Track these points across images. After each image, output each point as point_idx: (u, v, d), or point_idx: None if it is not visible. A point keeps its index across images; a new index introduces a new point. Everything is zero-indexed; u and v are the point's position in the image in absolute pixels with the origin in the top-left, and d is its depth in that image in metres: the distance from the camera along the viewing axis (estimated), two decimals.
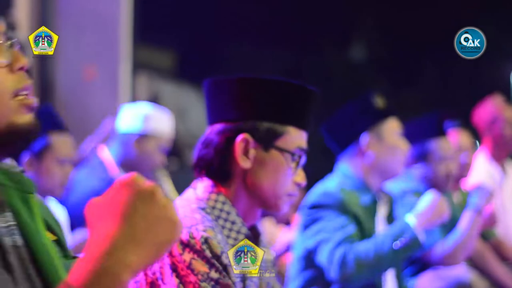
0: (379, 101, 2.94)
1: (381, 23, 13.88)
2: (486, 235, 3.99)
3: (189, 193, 1.91)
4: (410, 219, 2.74)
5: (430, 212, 2.76)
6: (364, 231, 2.82)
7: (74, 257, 1.30)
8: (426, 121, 3.56)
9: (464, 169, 4.13)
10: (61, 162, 3.16)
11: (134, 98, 8.12)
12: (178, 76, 12.23)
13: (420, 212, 2.76)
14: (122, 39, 7.65)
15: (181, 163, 8.14)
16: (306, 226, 2.82)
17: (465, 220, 3.27)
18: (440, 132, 3.58)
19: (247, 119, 1.85)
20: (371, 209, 2.91)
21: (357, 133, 2.94)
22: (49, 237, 1.25)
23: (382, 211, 2.99)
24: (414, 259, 3.34)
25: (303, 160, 1.91)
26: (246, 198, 1.88)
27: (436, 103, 12.43)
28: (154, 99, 11.19)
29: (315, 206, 2.81)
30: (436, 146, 3.53)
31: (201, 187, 1.89)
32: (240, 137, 1.84)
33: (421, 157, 3.50)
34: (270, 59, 12.84)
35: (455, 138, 4.13)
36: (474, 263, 3.67)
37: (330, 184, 2.90)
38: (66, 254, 1.29)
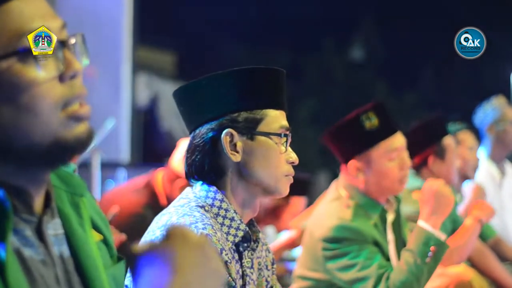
0: (369, 121, 2.84)
1: (381, 23, 13.89)
2: (485, 235, 3.99)
3: (187, 192, 1.91)
4: (424, 224, 2.72)
5: (437, 206, 2.75)
6: (382, 248, 2.83)
7: (120, 258, 1.29)
8: (429, 123, 3.55)
9: (472, 169, 4.14)
10: None
11: (134, 98, 8.13)
12: (178, 76, 12.24)
13: (428, 212, 2.74)
14: (123, 40, 7.66)
15: None
16: (328, 259, 2.80)
17: (467, 225, 3.28)
18: (446, 131, 3.59)
19: (225, 115, 1.85)
20: (380, 220, 2.91)
21: (346, 158, 2.90)
22: (96, 239, 1.24)
23: (390, 218, 2.99)
24: None
25: (289, 138, 1.91)
26: (245, 190, 1.87)
27: (436, 103, 12.43)
28: (154, 99, 11.22)
29: (334, 241, 2.80)
30: (449, 143, 3.54)
31: (198, 187, 1.90)
32: (224, 133, 1.84)
33: (435, 154, 3.51)
34: (270, 59, 12.85)
35: (462, 139, 4.14)
36: (474, 262, 3.67)
37: (342, 213, 2.84)
38: (112, 253, 1.28)
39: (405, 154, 2.89)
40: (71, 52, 1.10)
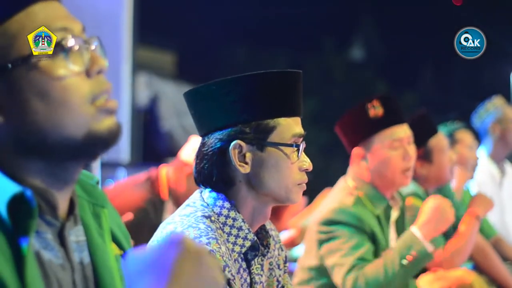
0: (374, 109, 2.87)
1: (381, 23, 13.89)
2: (486, 234, 3.99)
3: (195, 198, 1.85)
4: (415, 230, 2.71)
5: (435, 220, 2.73)
6: (380, 243, 2.81)
7: None
8: (418, 122, 3.52)
9: (471, 168, 4.14)
10: None
11: (134, 98, 8.13)
12: (178, 76, 12.23)
13: (425, 221, 2.73)
14: (123, 39, 7.65)
15: None
16: (321, 242, 2.79)
17: (465, 226, 3.27)
18: (435, 129, 3.58)
19: (235, 124, 1.78)
20: (384, 216, 2.89)
21: (351, 145, 2.91)
22: (115, 252, 1.24)
23: (394, 215, 2.98)
24: None
25: (303, 146, 1.83)
26: (255, 200, 1.82)
27: (436, 103, 12.43)
28: (154, 99, 11.21)
29: (330, 223, 2.79)
30: (435, 143, 3.53)
31: (207, 193, 1.83)
32: (232, 145, 1.78)
33: (423, 157, 3.48)
34: (270, 59, 12.84)
35: (461, 138, 4.14)
36: (475, 260, 3.67)
37: (345, 198, 2.85)
38: None
39: (410, 147, 2.90)
40: (94, 51, 1.15)
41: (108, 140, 1.13)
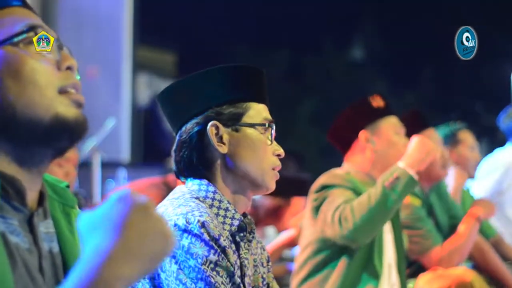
0: (377, 101, 3.01)
1: (381, 23, 13.89)
2: (486, 234, 4.00)
3: (180, 187, 1.94)
4: (400, 162, 2.78)
5: (419, 151, 2.79)
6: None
7: None
8: (409, 118, 3.55)
9: (473, 168, 4.17)
10: (61, 162, 3.16)
11: (134, 98, 8.14)
12: (178, 76, 12.23)
13: (409, 154, 2.79)
14: (123, 39, 7.66)
15: None
16: (316, 208, 2.84)
17: (465, 225, 3.29)
18: (425, 125, 3.61)
19: (209, 108, 1.89)
20: None
21: (356, 131, 3.00)
22: None
23: None
24: (414, 261, 3.35)
25: (274, 130, 1.94)
26: (234, 183, 1.90)
27: (436, 103, 12.43)
28: (154, 99, 11.21)
29: (322, 188, 2.85)
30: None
31: (189, 182, 1.91)
32: (209, 125, 1.88)
33: None
34: (270, 59, 12.84)
35: (463, 138, 4.16)
36: (474, 258, 3.68)
37: (336, 170, 2.97)
38: None
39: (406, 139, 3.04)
40: (66, 52, 1.27)
41: (74, 129, 1.20)
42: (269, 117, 1.94)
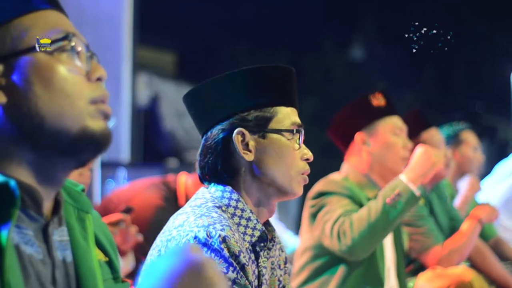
0: (376, 100, 2.96)
1: (381, 23, 13.89)
2: (486, 235, 4.00)
3: (203, 192, 1.87)
4: (402, 176, 2.72)
5: (422, 164, 2.74)
6: None
7: (124, 282, 1.32)
8: (411, 117, 3.54)
9: (476, 168, 4.17)
10: None
11: (134, 98, 8.13)
12: (178, 76, 12.24)
13: (411, 166, 2.74)
14: (123, 39, 7.66)
15: (181, 163, 8.14)
16: (313, 215, 2.81)
17: (466, 226, 3.29)
18: (428, 124, 3.60)
19: (235, 114, 1.84)
20: None
21: (353, 132, 2.96)
22: (99, 257, 1.28)
23: None
24: (414, 259, 3.35)
25: (302, 134, 1.89)
26: (259, 191, 1.85)
27: (436, 103, 12.43)
28: (155, 99, 11.22)
29: (320, 194, 2.81)
30: (427, 137, 3.54)
31: (213, 188, 1.85)
32: (235, 132, 1.82)
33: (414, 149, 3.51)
34: (270, 59, 12.84)
35: (465, 138, 4.16)
36: (473, 261, 3.68)
37: (334, 176, 2.93)
38: (116, 276, 1.31)
39: (407, 138, 2.99)
40: (96, 61, 1.24)
41: (99, 142, 1.18)
42: (298, 121, 1.88)
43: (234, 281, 1.69)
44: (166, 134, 10.93)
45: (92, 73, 1.21)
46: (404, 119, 3.06)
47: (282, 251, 1.99)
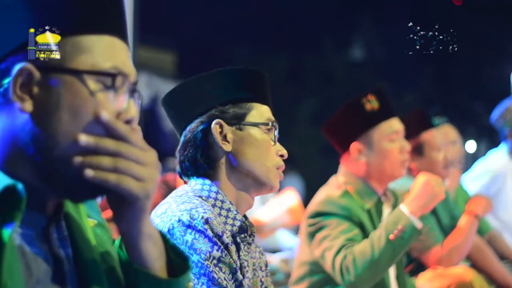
0: (369, 103, 2.88)
1: (381, 23, 13.89)
2: (481, 229, 3.99)
3: (183, 186, 1.94)
4: (403, 207, 2.68)
5: (424, 195, 2.70)
6: (367, 233, 2.78)
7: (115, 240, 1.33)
8: (413, 117, 3.54)
9: (456, 162, 4.17)
10: None
11: None
12: (178, 76, 12.24)
13: (413, 197, 2.70)
14: None
15: None
16: (312, 234, 2.78)
17: (464, 223, 3.28)
18: (429, 125, 3.60)
19: (213, 108, 1.91)
20: (375, 211, 2.88)
21: (348, 141, 2.90)
22: (91, 224, 1.28)
23: (386, 212, 2.96)
24: (414, 258, 3.35)
25: (277, 130, 1.96)
26: (237, 182, 1.91)
27: (436, 102, 12.43)
28: (155, 99, 11.22)
29: (318, 214, 2.78)
30: (427, 137, 3.55)
31: (193, 182, 1.92)
32: (214, 123, 1.89)
33: (414, 150, 3.50)
34: (270, 59, 12.85)
35: (445, 132, 4.15)
36: (471, 258, 3.68)
37: (332, 192, 2.86)
38: (109, 235, 1.32)
39: (404, 139, 2.92)
40: (134, 102, 1.24)
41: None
42: (272, 118, 1.95)
43: (219, 260, 1.76)
44: (166, 134, 10.93)
45: (123, 114, 1.19)
46: (406, 119, 3.01)
47: (262, 255, 2.04)
